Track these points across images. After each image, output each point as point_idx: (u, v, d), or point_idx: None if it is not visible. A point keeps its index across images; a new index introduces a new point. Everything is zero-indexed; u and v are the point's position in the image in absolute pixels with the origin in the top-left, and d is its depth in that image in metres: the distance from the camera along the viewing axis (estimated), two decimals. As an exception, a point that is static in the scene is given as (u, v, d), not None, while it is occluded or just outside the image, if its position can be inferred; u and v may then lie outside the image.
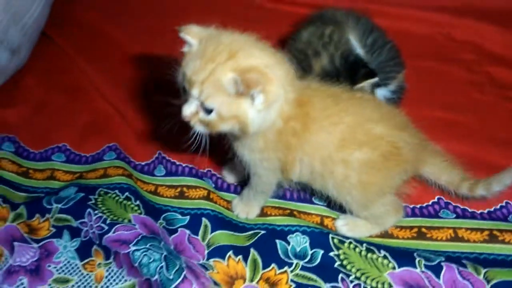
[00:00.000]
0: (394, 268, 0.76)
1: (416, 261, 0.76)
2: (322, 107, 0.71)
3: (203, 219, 0.85)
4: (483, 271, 0.74)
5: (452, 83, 1.10)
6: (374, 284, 0.75)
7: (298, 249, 0.81)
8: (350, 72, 0.86)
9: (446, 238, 0.81)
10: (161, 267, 0.74)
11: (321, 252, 0.80)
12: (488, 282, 0.73)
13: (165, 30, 1.27)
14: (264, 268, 0.78)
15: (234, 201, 0.88)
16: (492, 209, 0.85)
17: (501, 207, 0.85)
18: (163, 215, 0.86)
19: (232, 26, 1.25)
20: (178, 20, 1.30)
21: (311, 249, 0.80)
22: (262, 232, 0.84)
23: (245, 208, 0.86)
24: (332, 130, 0.72)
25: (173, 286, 0.71)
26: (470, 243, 0.80)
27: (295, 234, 0.83)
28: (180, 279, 0.72)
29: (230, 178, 0.93)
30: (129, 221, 0.83)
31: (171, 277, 0.72)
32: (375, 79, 0.85)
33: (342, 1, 1.25)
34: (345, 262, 0.78)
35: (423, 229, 0.83)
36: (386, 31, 1.01)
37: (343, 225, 0.83)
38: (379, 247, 0.79)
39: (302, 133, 0.70)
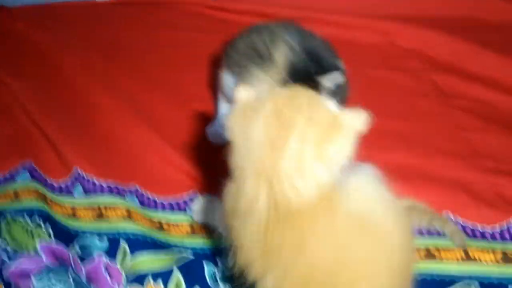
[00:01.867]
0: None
1: None
2: None
3: (122, 243, 0.76)
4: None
5: (398, 91, 1.06)
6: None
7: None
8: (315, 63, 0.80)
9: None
10: (64, 301, 0.65)
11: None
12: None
13: (101, 39, 1.22)
14: (188, 292, 0.71)
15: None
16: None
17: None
18: (79, 241, 0.77)
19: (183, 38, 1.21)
20: (115, 29, 1.25)
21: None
22: (189, 253, 0.77)
23: None
24: None
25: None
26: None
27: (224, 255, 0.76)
28: (83, 314, 0.63)
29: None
30: (35, 251, 0.74)
31: (73, 312, 0.64)
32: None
33: (284, 11, 1.21)
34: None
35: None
36: (331, 39, 0.97)
37: None
38: None
39: None
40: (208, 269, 0.75)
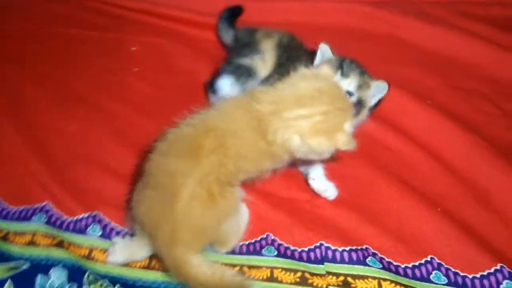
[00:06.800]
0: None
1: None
2: None
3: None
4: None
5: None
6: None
7: (57, 284, 0.82)
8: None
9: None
10: None
11: (76, 285, 0.82)
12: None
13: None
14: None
15: None
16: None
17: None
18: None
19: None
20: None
21: (68, 283, 0.82)
22: (27, 263, 0.85)
23: None
24: None
25: None
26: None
27: (57, 267, 0.84)
28: None
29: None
30: None
31: None
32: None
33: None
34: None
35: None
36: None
37: None
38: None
39: None
40: (40, 279, 0.83)
